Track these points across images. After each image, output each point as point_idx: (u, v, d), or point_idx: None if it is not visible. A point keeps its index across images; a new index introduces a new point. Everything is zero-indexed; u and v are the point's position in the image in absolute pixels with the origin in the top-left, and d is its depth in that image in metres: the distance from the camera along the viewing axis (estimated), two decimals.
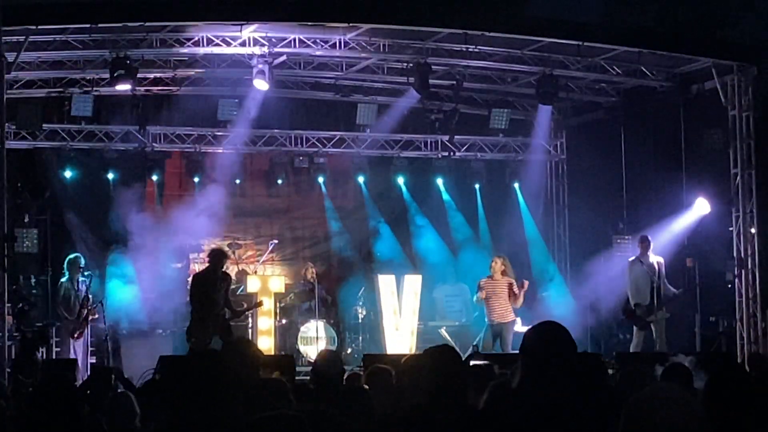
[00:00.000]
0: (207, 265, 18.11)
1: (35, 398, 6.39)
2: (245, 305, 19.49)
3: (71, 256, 20.56)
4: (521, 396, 5.44)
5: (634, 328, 19.59)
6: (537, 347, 5.47)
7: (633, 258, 19.65)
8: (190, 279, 18.51)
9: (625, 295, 19.71)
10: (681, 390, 4.13)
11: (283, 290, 21.51)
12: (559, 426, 5.20)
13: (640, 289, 19.29)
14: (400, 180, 24.57)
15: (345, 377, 9.61)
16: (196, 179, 23.40)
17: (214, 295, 17.55)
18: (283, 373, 11.10)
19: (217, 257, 17.97)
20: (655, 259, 19.43)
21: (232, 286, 23.53)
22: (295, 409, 6.38)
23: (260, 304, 19.62)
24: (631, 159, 22.69)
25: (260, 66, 20.21)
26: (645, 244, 19.61)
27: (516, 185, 24.84)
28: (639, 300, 19.28)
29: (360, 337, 22.21)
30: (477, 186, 24.78)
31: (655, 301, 19.15)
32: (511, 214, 24.63)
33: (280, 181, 24.13)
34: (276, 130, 23.58)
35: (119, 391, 10.75)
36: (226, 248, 18.64)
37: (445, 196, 24.77)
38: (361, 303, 22.23)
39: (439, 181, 24.72)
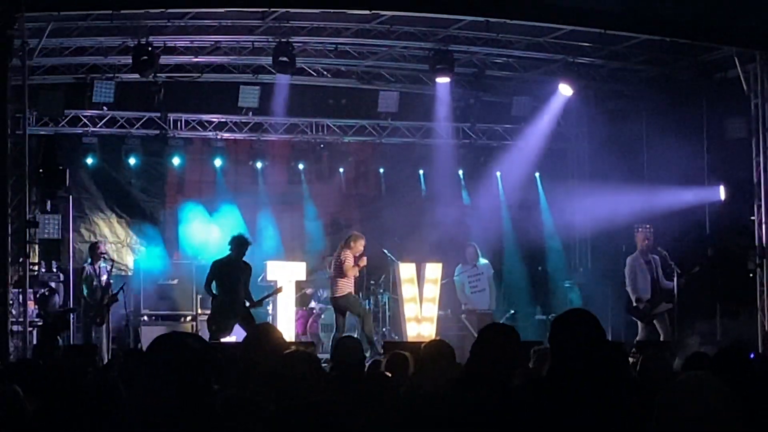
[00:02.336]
0: (229, 252, 18.08)
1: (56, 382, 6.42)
2: (265, 293, 19.50)
3: (93, 242, 20.67)
4: (552, 384, 5.44)
5: (639, 324, 19.55)
6: (567, 336, 5.47)
7: (633, 255, 19.67)
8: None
9: (626, 292, 19.79)
10: (714, 379, 4.12)
11: (304, 278, 21.51)
12: (588, 414, 5.20)
13: (640, 285, 19.34)
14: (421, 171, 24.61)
15: (367, 365, 9.64)
16: (216, 165, 23.44)
17: (234, 283, 17.53)
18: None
19: (239, 244, 17.93)
20: (651, 254, 19.53)
21: None
22: (321, 398, 6.38)
23: (280, 290, 19.62)
24: (653, 147, 22.61)
25: (282, 53, 20.23)
26: (645, 239, 19.65)
27: (537, 174, 24.81)
28: (640, 295, 19.31)
29: (381, 325, 22.21)
30: (498, 174, 24.77)
31: (657, 295, 19.25)
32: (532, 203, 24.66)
33: (301, 167, 24.12)
34: (297, 118, 23.58)
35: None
36: (247, 236, 18.58)
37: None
38: (381, 290, 22.22)
39: (460, 172, 24.74)
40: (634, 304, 19.35)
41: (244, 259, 18.03)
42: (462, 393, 6.04)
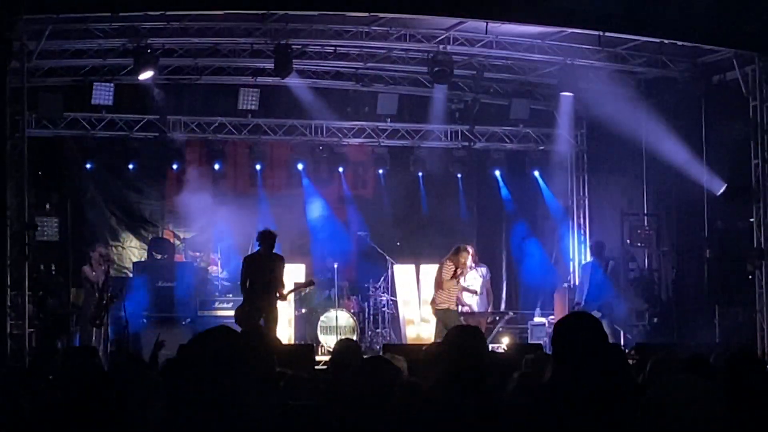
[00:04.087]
0: (258, 247, 18.01)
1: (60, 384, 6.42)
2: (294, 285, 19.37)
3: (92, 244, 20.68)
4: (555, 389, 5.43)
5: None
6: (569, 340, 5.47)
7: (586, 262, 20.06)
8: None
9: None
10: (703, 383, 4.12)
11: (303, 279, 21.51)
12: (591, 419, 5.20)
13: (583, 290, 19.80)
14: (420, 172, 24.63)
15: None
16: (216, 168, 23.47)
17: (263, 277, 17.52)
18: (302, 362, 11.11)
19: (264, 238, 17.88)
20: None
21: None
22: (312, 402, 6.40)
23: (311, 283, 19.46)
24: (652, 149, 22.62)
25: (281, 55, 20.24)
26: (596, 249, 20.64)
27: (537, 173, 24.86)
28: (579, 299, 19.97)
29: (379, 327, 22.25)
30: (498, 173, 24.81)
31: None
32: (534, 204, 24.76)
33: (300, 168, 24.13)
34: (296, 120, 23.60)
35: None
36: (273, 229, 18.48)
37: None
38: (380, 292, 22.25)
39: (459, 174, 24.76)
40: (574, 307, 19.83)
41: (275, 251, 17.97)
42: (455, 396, 6.04)
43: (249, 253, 18.71)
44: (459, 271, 18.86)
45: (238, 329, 16.97)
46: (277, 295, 17.53)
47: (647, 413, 4.06)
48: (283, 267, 17.73)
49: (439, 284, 18.93)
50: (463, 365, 6.11)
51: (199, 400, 4.52)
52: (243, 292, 17.70)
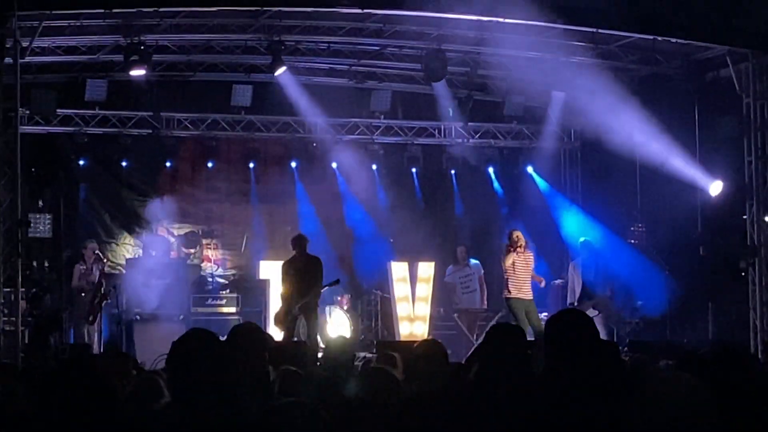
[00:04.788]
0: (294, 252, 18.17)
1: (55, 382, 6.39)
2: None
3: (85, 241, 20.65)
4: (546, 385, 5.44)
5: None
6: (561, 336, 5.47)
7: (574, 261, 20.02)
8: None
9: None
10: (694, 379, 4.12)
11: None
12: (582, 414, 5.21)
13: (575, 290, 19.75)
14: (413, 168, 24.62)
15: (361, 364, 9.64)
16: (209, 165, 23.45)
17: (299, 280, 17.82)
18: (295, 359, 11.11)
19: (296, 241, 18.08)
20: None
21: (243, 272, 23.69)
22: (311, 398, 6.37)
23: (337, 282, 19.48)
24: (645, 146, 22.63)
25: (274, 52, 20.24)
26: (583, 248, 20.37)
27: (530, 169, 24.88)
28: (572, 299, 20.18)
29: (373, 324, 22.24)
30: (492, 170, 24.82)
31: (584, 300, 19.94)
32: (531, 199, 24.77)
33: (293, 165, 24.12)
34: (290, 117, 23.57)
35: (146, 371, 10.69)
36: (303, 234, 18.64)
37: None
38: (375, 289, 22.24)
39: (452, 171, 24.77)
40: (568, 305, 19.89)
41: (310, 253, 18.19)
42: (461, 394, 6.04)
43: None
44: (517, 252, 18.44)
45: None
46: (315, 296, 17.99)
47: (638, 410, 4.06)
48: (321, 268, 18.10)
49: (504, 273, 18.68)
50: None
51: (195, 397, 4.52)
52: (282, 295, 18.10)
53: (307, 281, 17.90)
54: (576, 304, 20.32)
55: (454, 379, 7.38)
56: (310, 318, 17.93)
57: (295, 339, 18.32)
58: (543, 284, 19.33)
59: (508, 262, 18.45)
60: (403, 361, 8.35)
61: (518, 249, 18.44)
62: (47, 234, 21.44)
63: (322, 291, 18.77)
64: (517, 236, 18.64)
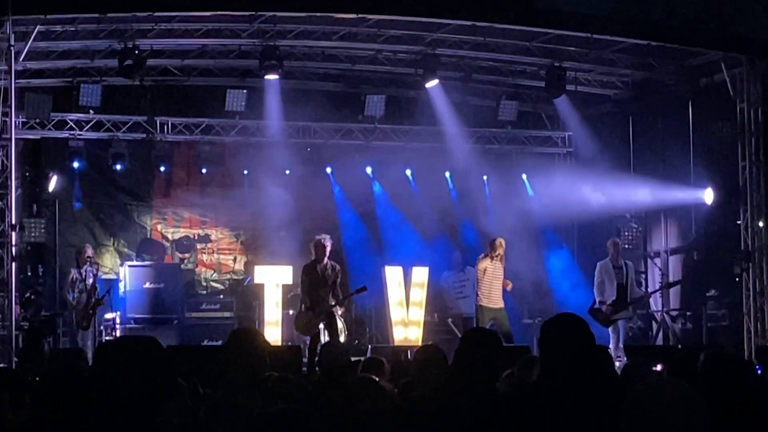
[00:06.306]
0: (313, 257, 18.20)
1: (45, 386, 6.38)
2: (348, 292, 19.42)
3: (79, 246, 20.62)
4: (542, 390, 5.43)
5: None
6: (557, 341, 5.46)
7: (603, 261, 19.71)
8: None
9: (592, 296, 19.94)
10: (685, 385, 4.12)
11: (290, 281, 21.47)
12: (577, 419, 5.20)
13: (606, 288, 19.39)
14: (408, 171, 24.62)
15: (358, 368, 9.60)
16: (203, 170, 23.44)
17: (318, 285, 17.89)
18: (289, 364, 11.11)
19: (316, 246, 18.12)
20: (623, 261, 19.65)
21: (238, 277, 23.69)
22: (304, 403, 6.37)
23: (364, 289, 19.43)
24: (640, 151, 22.67)
25: (269, 57, 20.23)
26: (616, 247, 19.74)
27: (524, 176, 24.84)
28: (604, 299, 19.37)
29: (367, 329, 22.22)
30: (485, 177, 24.79)
31: (621, 302, 19.26)
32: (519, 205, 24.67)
33: (288, 172, 24.08)
34: (284, 122, 23.53)
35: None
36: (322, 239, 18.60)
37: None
38: (368, 294, 22.21)
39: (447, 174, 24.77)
40: (597, 306, 19.40)
41: (330, 260, 18.22)
42: (449, 398, 6.03)
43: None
44: (493, 261, 18.65)
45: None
46: (334, 301, 17.98)
47: (630, 415, 4.06)
48: (339, 273, 18.21)
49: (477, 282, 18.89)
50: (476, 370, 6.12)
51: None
52: (302, 301, 18.17)
53: (328, 287, 17.97)
54: (607, 303, 19.79)
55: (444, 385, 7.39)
56: (334, 323, 17.97)
57: (289, 344, 18.33)
58: (510, 287, 19.31)
59: (481, 267, 18.71)
60: (393, 365, 8.34)
61: (494, 257, 18.59)
62: (41, 239, 21.40)
63: (348, 297, 18.95)
64: (500, 243, 18.80)
